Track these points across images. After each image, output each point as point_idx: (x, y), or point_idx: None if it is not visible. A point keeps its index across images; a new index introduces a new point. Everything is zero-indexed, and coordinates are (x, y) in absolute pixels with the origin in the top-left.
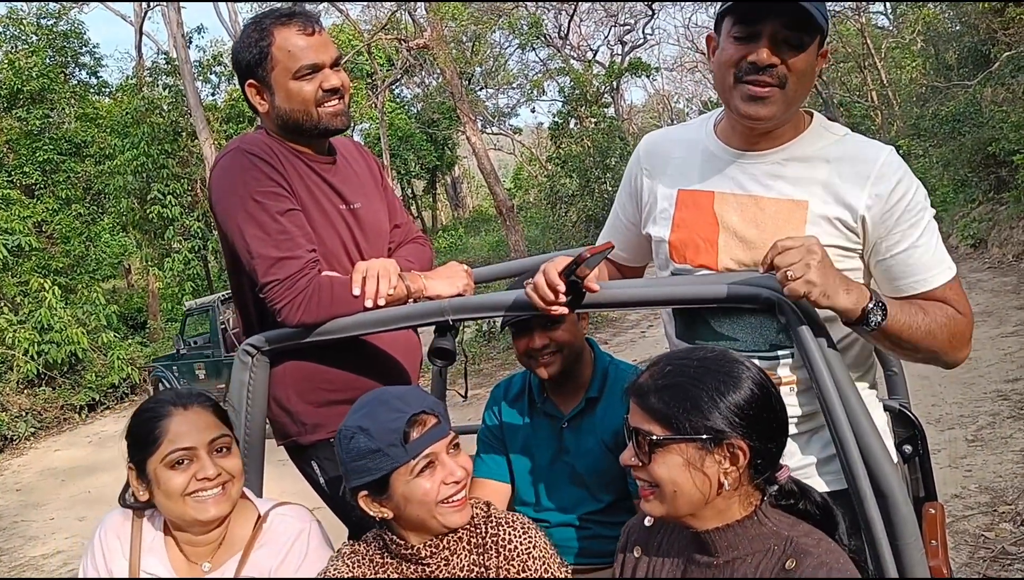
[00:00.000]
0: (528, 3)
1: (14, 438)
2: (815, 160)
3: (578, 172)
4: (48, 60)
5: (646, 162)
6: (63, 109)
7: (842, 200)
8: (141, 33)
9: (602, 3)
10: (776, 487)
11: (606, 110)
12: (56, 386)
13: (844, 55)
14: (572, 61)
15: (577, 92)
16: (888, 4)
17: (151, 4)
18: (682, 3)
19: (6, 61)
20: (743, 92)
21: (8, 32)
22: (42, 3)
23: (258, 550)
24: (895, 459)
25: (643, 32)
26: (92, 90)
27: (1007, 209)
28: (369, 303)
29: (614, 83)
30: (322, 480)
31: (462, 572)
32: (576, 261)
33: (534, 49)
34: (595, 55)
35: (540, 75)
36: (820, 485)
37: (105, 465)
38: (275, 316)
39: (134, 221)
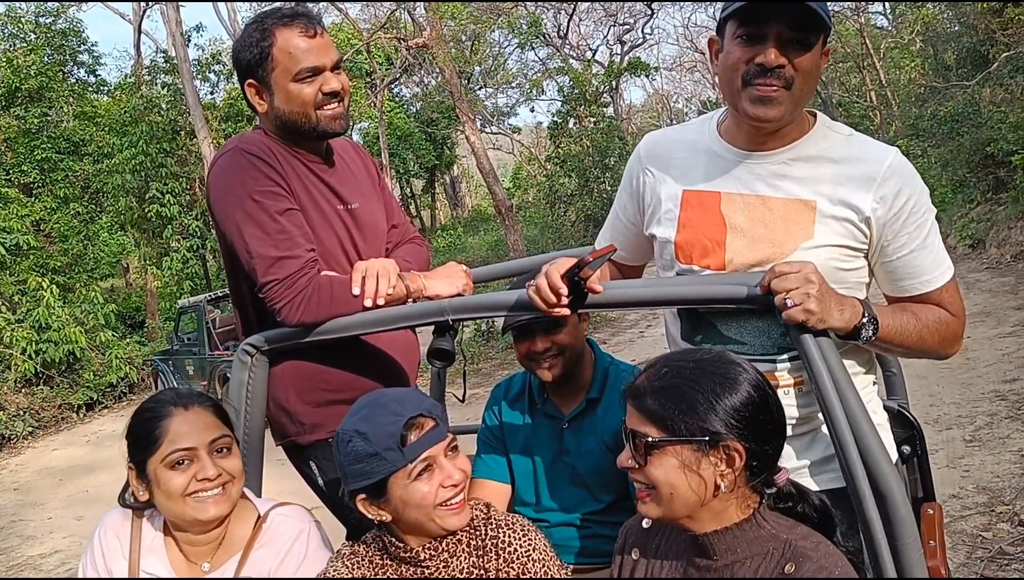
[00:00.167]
0: (527, 2)
1: (12, 437)
2: (821, 160)
3: (577, 172)
4: (46, 58)
5: (648, 162)
6: (61, 107)
7: (848, 201)
8: (140, 31)
9: (601, 3)
10: (774, 489)
11: (605, 110)
12: (54, 385)
13: (843, 55)
14: (571, 60)
15: (576, 92)
16: (887, 4)
17: (150, 3)
18: (681, 3)
19: (4, 59)
20: (751, 94)
21: (6, 30)
22: (41, 2)
23: (258, 550)
24: (896, 459)
25: (642, 32)
26: (90, 88)
27: (1005, 209)
28: (368, 302)
29: (613, 83)
30: (320, 480)
31: (461, 574)
32: (579, 264)
33: (533, 48)
34: (594, 54)
35: (539, 74)
36: (820, 484)
37: (103, 464)
38: (274, 316)
39: (132, 220)
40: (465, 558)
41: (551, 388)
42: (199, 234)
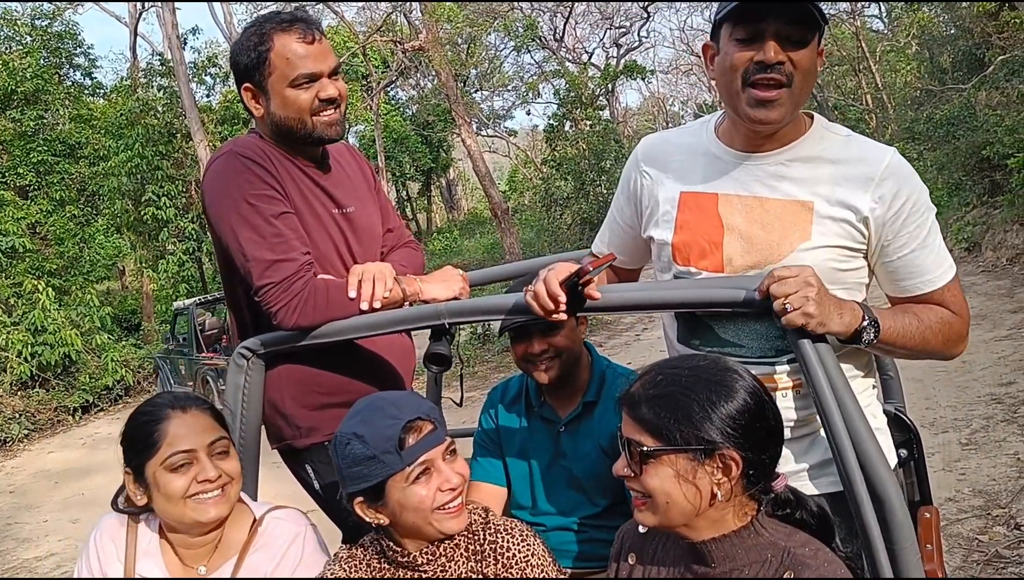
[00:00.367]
0: (523, 4)
1: (7, 440)
2: (819, 161)
3: (573, 174)
4: (42, 61)
5: (645, 165)
6: (57, 110)
7: (846, 201)
8: (136, 34)
9: (597, 4)
10: (772, 496)
11: (601, 113)
12: (50, 388)
13: (839, 58)
14: (567, 63)
15: (572, 94)
16: (883, 7)
17: (146, 5)
18: (677, 4)
19: (0, 62)
20: (751, 97)
21: (2, 33)
22: (36, 3)
23: (254, 554)
24: (895, 462)
25: (638, 35)
26: (86, 91)
27: (1001, 213)
28: (365, 306)
29: (609, 86)
30: (316, 484)
31: (459, 579)
32: (578, 273)
33: (529, 51)
34: (590, 57)
35: (535, 77)
36: (819, 488)
37: (99, 467)
38: (270, 319)
39: (128, 223)
40: (463, 563)
41: (548, 391)
42: (195, 237)
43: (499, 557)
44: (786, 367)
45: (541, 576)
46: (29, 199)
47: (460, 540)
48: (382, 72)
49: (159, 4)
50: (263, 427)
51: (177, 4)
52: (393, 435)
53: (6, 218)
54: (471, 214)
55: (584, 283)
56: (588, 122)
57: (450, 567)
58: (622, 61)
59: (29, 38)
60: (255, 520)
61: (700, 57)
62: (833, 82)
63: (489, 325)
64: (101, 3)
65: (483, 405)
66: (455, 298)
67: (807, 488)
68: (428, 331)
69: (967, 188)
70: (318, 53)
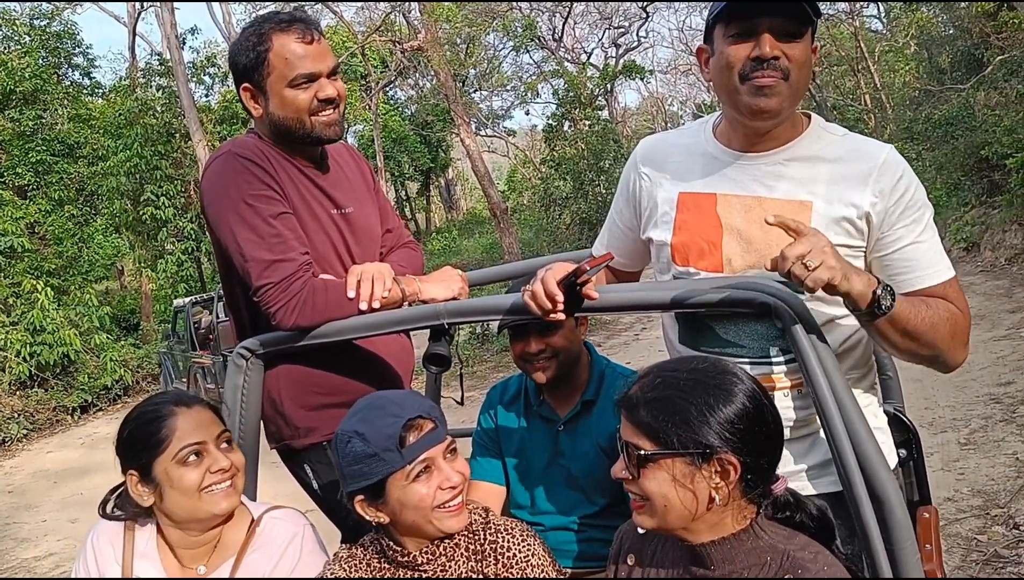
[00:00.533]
0: (522, 4)
1: (6, 440)
2: (816, 160)
3: (572, 174)
4: (41, 61)
5: (644, 166)
6: (56, 110)
7: (846, 199)
8: (134, 34)
9: (596, 4)
10: (772, 499)
11: (600, 113)
12: (48, 388)
13: (837, 58)
14: (566, 63)
15: (571, 94)
16: (881, 7)
17: (145, 5)
18: (676, 4)
19: None
20: (750, 87)
21: (0, 32)
22: (35, 3)
23: (252, 554)
24: (895, 462)
25: (637, 35)
26: (85, 91)
27: (1000, 213)
28: (364, 306)
29: (608, 86)
30: (315, 484)
31: (459, 578)
32: (576, 273)
33: (528, 51)
34: (589, 57)
35: (534, 77)
36: (819, 488)
37: (98, 467)
38: (269, 319)
39: (127, 222)
40: (463, 562)
41: (547, 390)
42: (194, 237)
43: (499, 557)
44: (784, 367)
45: (541, 576)
46: (28, 199)
47: (460, 539)
48: (381, 72)
49: (158, 4)
50: (261, 427)
51: (176, 4)
52: (394, 433)
53: (5, 218)
54: (470, 214)
55: (582, 283)
56: (587, 122)
57: (450, 566)
58: (621, 61)
59: (28, 38)
60: (253, 520)
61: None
62: (832, 82)
63: (488, 325)
64: (100, 3)
65: (482, 404)
66: (454, 298)
67: (807, 488)
68: (427, 332)
69: (966, 188)
70: (317, 53)
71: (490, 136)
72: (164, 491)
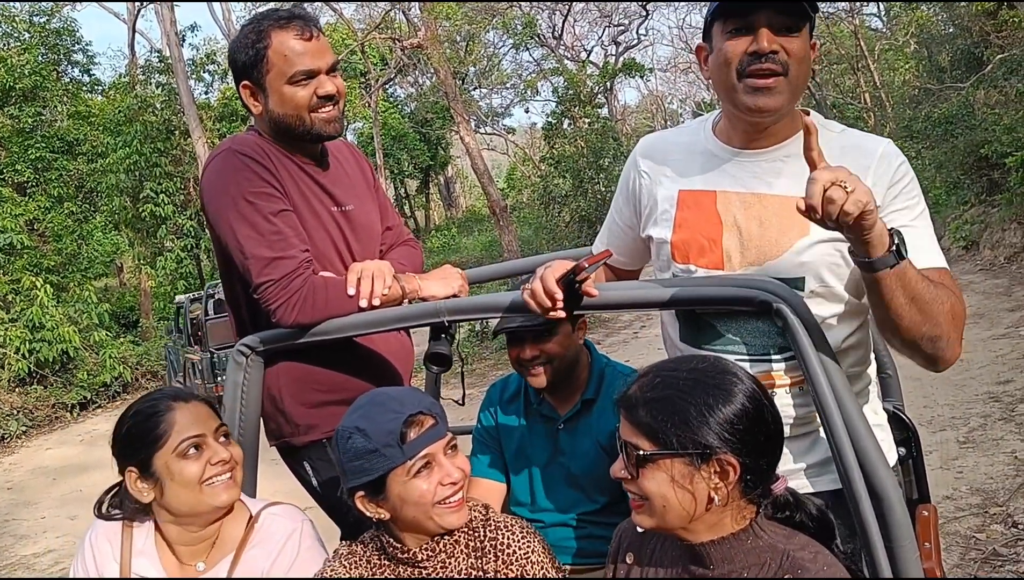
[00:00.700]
0: (522, 3)
1: (5, 436)
2: None
3: (571, 172)
4: (40, 57)
5: (643, 164)
6: (55, 107)
7: None
8: (134, 31)
9: (596, 3)
10: (771, 498)
11: (600, 110)
12: (48, 384)
13: (837, 57)
14: (566, 61)
15: (571, 92)
16: (881, 6)
17: (144, 2)
18: (676, 4)
19: None
20: (748, 86)
21: (0, 29)
22: (35, 1)
23: (250, 550)
24: (895, 459)
25: (637, 33)
26: (85, 88)
27: (999, 211)
28: (364, 303)
29: (608, 83)
30: (315, 481)
31: (459, 575)
32: (574, 270)
33: (528, 49)
34: (589, 55)
35: (534, 75)
36: (819, 487)
37: (97, 464)
38: (269, 317)
39: (126, 219)
40: (463, 559)
41: (546, 390)
42: (193, 234)
43: (499, 554)
44: (784, 364)
45: (541, 573)
46: (27, 196)
47: (460, 536)
48: (380, 69)
49: (158, 1)
50: (261, 424)
51: (176, 1)
52: (395, 429)
53: (4, 215)
54: (469, 212)
55: (581, 280)
56: (586, 120)
57: (450, 563)
58: (621, 59)
59: (27, 34)
60: (251, 517)
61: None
62: (831, 80)
63: (487, 323)
64: (100, 1)
65: (482, 402)
66: (454, 296)
67: (807, 487)
68: (427, 331)
69: (965, 187)
70: (316, 50)
71: (490, 134)
72: (165, 485)
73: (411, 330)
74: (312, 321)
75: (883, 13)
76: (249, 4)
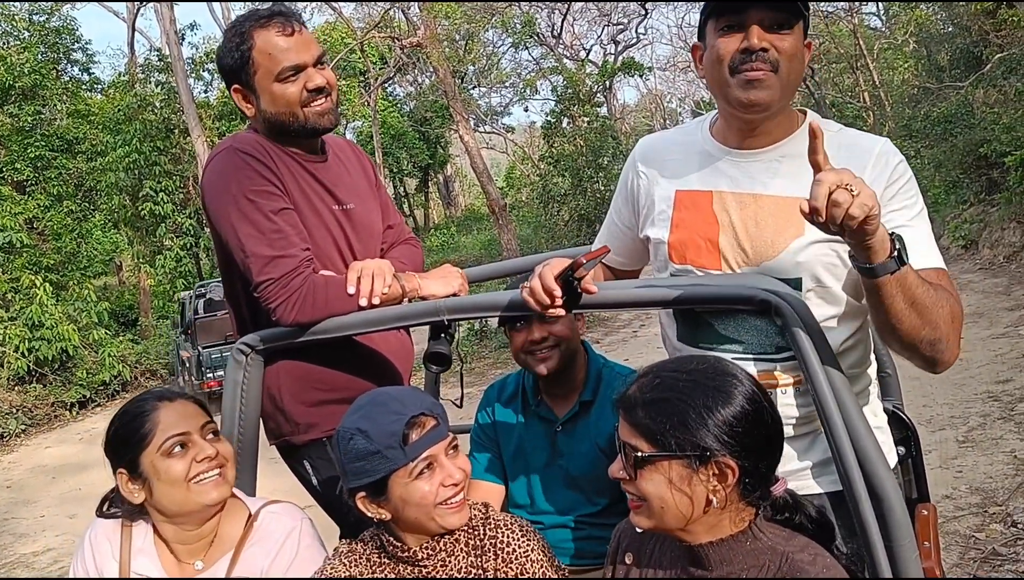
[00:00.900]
0: (521, 2)
1: (5, 435)
2: None
3: (571, 171)
4: (40, 56)
5: (642, 165)
6: (55, 105)
7: None
8: (134, 30)
9: (595, 3)
10: (770, 500)
11: (599, 109)
12: (47, 383)
13: (836, 56)
14: (565, 60)
15: (570, 91)
16: (880, 5)
17: (144, 1)
18: (675, 3)
19: None
20: (740, 80)
21: (0, 27)
22: (35, 1)
23: (249, 548)
24: (895, 460)
25: (636, 32)
26: (84, 87)
27: (998, 210)
28: (364, 302)
29: (607, 82)
30: (314, 480)
31: (459, 574)
32: (572, 266)
33: (527, 48)
34: (588, 54)
35: (533, 74)
36: (821, 487)
37: (96, 462)
38: (269, 315)
39: (126, 218)
40: (463, 558)
41: (545, 389)
42: (192, 232)
43: (499, 552)
44: (785, 364)
45: (540, 572)
46: (27, 194)
47: (460, 535)
48: (380, 68)
49: (157, 1)
50: (261, 423)
51: (175, 1)
52: (397, 430)
53: (3, 213)
54: (468, 210)
55: (579, 277)
56: (586, 119)
57: (450, 562)
58: (620, 58)
59: (27, 33)
60: (250, 515)
61: None
62: (830, 80)
63: (487, 322)
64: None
65: (479, 402)
66: (453, 294)
67: (809, 487)
68: (427, 330)
69: (964, 186)
70: (300, 44)
71: (489, 133)
72: (153, 485)
73: (411, 329)
74: (312, 320)
75: (882, 12)
76: (248, 3)
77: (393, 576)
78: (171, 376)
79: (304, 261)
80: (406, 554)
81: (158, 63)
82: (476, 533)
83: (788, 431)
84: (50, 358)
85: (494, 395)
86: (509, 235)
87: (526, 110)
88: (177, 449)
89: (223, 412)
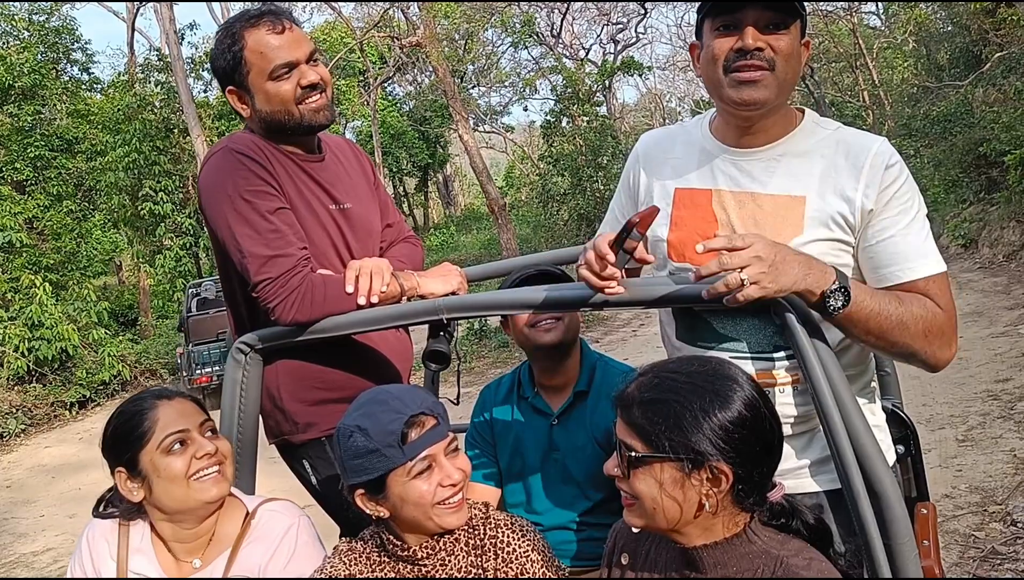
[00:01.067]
0: (521, 2)
1: (4, 435)
2: (810, 154)
3: (570, 170)
4: (40, 56)
5: (643, 160)
6: (55, 105)
7: (840, 192)
8: (133, 29)
9: (595, 2)
10: (767, 505)
11: (598, 109)
12: (47, 383)
13: (836, 55)
14: (564, 60)
15: (569, 91)
16: (880, 4)
17: (143, 1)
18: (675, 2)
19: None
20: (733, 80)
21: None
22: (35, 1)
23: (247, 546)
24: (893, 459)
25: (636, 31)
26: (84, 86)
27: (998, 209)
28: (362, 301)
29: (606, 82)
30: (313, 479)
31: (459, 573)
32: (626, 228)
33: (527, 47)
34: (587, 54)
35: (532, 73)
36: (818, 485)
37: (95, 462)
38: (267, 315)
39: (125, 218)
40: (463, 557)
41: (540, 381)
42: (192, 232)
43: (499, 552)
44: (784, 362)
45: (541, 572)
46: (26, 194)
47: (460, 535)
48: (379, 68)
49: (157, 1)
50: (260, 422)
51: (175, 1)
52: (396, 429)
53: (3, 213)
54: (468, 210)
55: (629, 248)
56: (585, 118)
57: (450, 561)
58: (619, 57)
59: (27, 33)
60: (248, 513)
61: None
62: (830, 79)
63: (486, 321)
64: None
65: (475, 405)
66: (453, 293)
67: (806, 485)
68: (426, 329)
69: (964, 185)
70: (291, 41)
71: (488, 132)
72: (152, 482)
73: (410, 328)
74: (310, 319)
75: (881, 11)
76: (248, 2)
77: (393, 575)
78: (171, 375)
79: (302, 260)
80: (406, 553)
81: (158, 63)
82: (476, 533)
83: (786, 430)
84: (50, 358)
85: (489, 396)
86: (508, 234)
87: (525, 109)
88: (176, 446)
89: (222, 411)
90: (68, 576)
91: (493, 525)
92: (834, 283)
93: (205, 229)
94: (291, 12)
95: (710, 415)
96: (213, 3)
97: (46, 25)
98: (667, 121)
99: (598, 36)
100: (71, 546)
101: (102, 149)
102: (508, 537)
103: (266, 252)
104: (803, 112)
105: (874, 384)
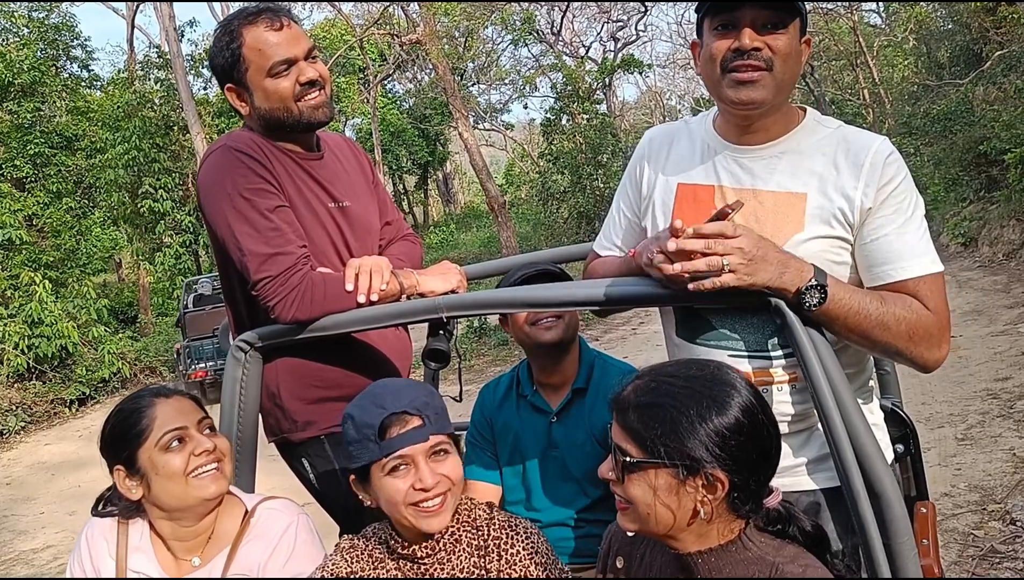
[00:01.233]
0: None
1: (4, 432)
2: (811, 152)
3: (570, 168)
4: (39, 53)
5: (648, 155)
6: (54, 102)
7: (840, 190)
8: (133, 27)
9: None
10: (763, 512)
11: (598, 106)
12: (46, 380)
13: (836, 53)
14: (565, 57)
15: (569, 88)
16: (880, 3)
17: None
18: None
19: None
20: (731, 80)
21: None
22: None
23: (246, 544)
24: (891, 457)
25: (636, 29)
26: (83, 83)
27: (998, 208)
28: (362, 299)
29: (606, 79)
30: (312, 477)
31: (461, 573)
32: (719, 215)
33: (527, 45)
34: (588, 51)
35: (532, 71)
36: (816, 483)
37: (95, 460)
38: (267, 313)
39: (125, 215)
40: (466, 557)
41: (539, 379)
42: (192, 229)
43: (503, 554)
44: (782, 361)
45: (544, 574)
46: (26, 191)
47: (462, 535)
48: (379, 66)
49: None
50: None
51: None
52: (374, 423)
53: (3, 210)
54: (468, 208)
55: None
56: (585, 116)
57: (452, 561)
58: (619, 55)
59: (26, 30)
60: (247, 511)
61: None
62: (830, 77)
63: (486, 319)
64: None
65: (474, 405)
66: (452, 291)
67: (804, 483)
68: (426, 327)
69: (964, 183)
70: (289, 38)
71: (488, 130)
72: (151, 480)
73: (409, 326)
74: (310, 317)
75: (882, 9)
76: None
77: (395, 573)
78: (171, 373)
79: (301, 258)
80: (407, 551)
81: (157, 60)
82: (480, 533)
83: (784, 428)
84: (50, 355)
85: (488, 395)
86: (508, 232)
87: (525, 107)
88: (175, 443)
89: (222, 409)
90: (67, 575)
91: (497, 526)
92: (811, 280)
93: (204, 226)
94: (290, 9)
95: (707, 421)
96: (213, 1)
97: (46, 22)
98: (667, 119)
99: (598, 34)
100: (71, 543)
101: (102, 146)
102: (512, 538)
103: (266, 250)
104: (805, 111)
105: (873, 383)
